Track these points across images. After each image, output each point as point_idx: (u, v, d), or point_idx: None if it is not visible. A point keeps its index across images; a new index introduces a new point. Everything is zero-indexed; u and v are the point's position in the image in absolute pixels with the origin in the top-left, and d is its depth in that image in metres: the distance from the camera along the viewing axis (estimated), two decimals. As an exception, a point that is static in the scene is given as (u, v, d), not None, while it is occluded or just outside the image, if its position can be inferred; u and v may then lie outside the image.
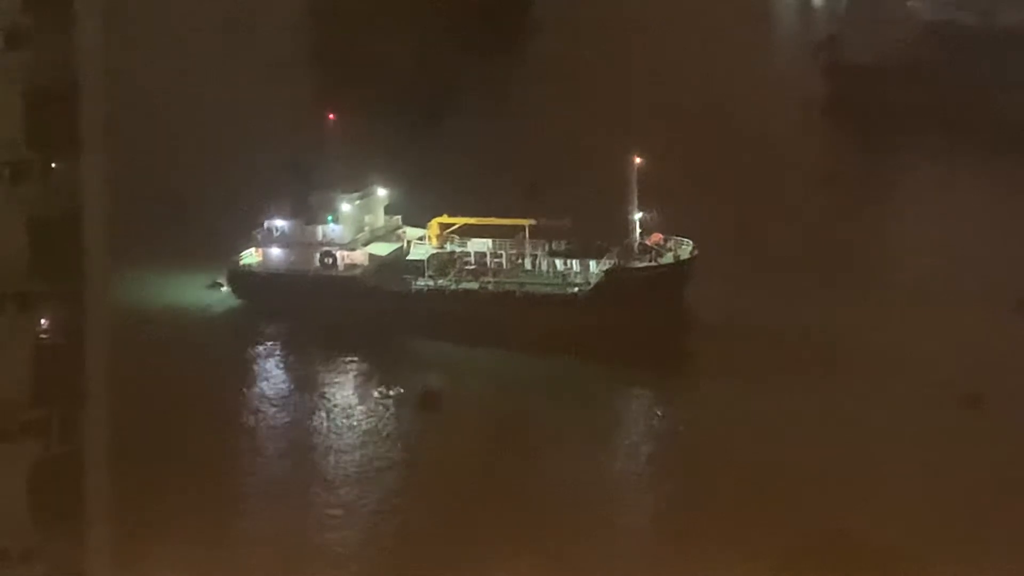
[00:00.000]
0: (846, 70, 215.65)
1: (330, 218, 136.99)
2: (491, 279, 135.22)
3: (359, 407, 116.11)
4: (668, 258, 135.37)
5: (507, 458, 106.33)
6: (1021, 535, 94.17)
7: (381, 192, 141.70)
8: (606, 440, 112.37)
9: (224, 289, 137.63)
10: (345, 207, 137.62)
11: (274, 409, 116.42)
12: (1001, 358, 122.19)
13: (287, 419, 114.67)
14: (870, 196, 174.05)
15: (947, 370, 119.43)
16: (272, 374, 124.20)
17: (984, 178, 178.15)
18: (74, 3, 60.70)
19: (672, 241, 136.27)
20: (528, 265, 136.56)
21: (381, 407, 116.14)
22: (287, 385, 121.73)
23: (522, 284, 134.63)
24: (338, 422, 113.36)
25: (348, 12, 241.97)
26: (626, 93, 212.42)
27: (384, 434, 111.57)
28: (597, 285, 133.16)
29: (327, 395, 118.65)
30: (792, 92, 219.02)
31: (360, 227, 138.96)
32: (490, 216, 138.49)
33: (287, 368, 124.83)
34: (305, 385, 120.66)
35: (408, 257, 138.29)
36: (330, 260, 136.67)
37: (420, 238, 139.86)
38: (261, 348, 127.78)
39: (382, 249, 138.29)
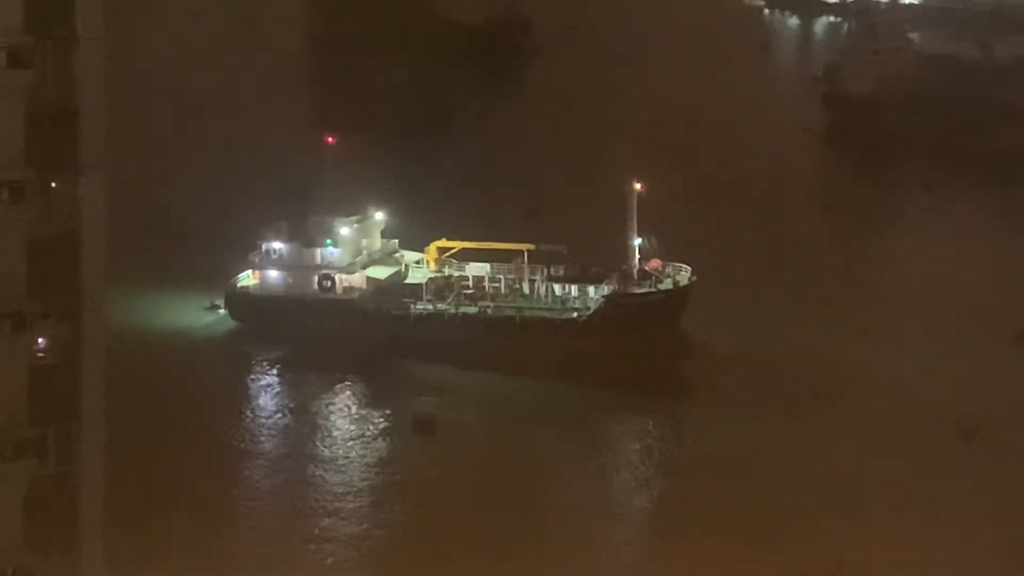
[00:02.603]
0: (846, 100, 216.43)
1: (328, 241, 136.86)
2: (490, 303, 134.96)
3: (354, 431, 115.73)
4: (667, 284, 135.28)
5: (501, 482, 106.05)
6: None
7: (379, 215, 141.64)
8: (602, 465, 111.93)
9: (221, 311, 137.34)
10: (343, 230, 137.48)
11: (268, 431, 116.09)
12: (1002, 391, 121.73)
13: (280, 440, 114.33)
14: (869, 225, 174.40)
15: (946, 402, 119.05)
16: (267, 397, 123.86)
17: (983, 209, 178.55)
18: (76, 24, 60.68)
19: (671, 267, 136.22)
20: (527, 290, 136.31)
21: (377, 431, 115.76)
22: (282, 407, 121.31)
23: (521, 309, 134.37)
24: (332, 445, 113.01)
25: (347, 37, 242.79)
26: (626, 119, 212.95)
27: (379, 457, 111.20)
28: (596, 310, 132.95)
29: (322, 418, 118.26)
30: (793, 121, 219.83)
31: (358, 250, 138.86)
32: (488, 240, 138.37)
33: (283, 391, 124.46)
34: (300, 408, 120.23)
35: (406, 281, 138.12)
36: (328, 283, 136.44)
37: (418, 262, 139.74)
38: (257, 371, 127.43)
39: (380, 273, 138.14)
